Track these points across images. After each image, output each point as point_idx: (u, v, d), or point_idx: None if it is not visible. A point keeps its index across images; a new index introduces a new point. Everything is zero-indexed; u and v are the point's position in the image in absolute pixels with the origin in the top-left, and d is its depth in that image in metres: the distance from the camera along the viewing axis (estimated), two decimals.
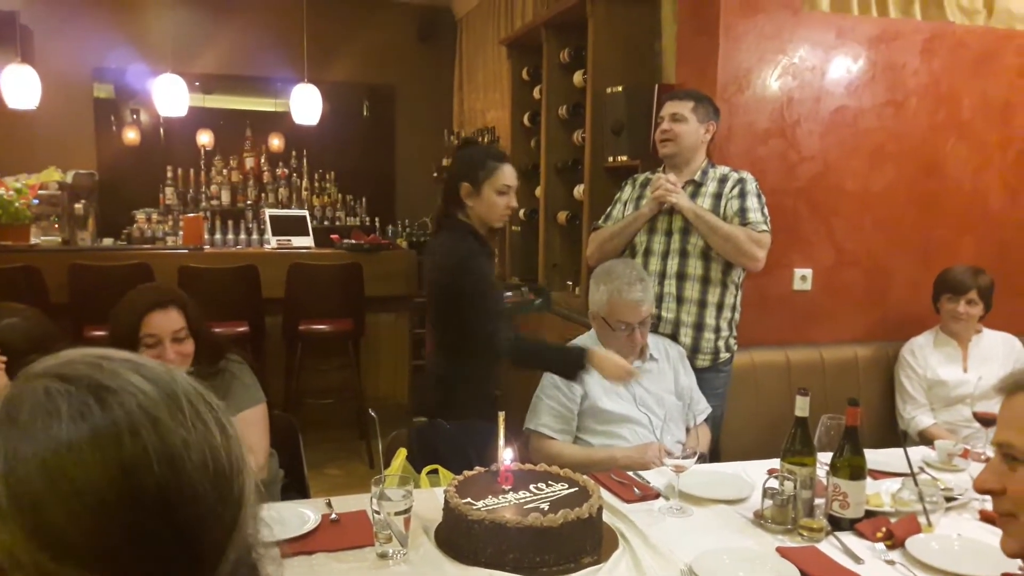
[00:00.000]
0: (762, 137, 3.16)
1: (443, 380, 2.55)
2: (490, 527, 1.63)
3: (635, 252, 2.92)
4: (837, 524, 1.83)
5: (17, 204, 4.37)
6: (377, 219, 7.15)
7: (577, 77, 4.05)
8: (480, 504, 1.72)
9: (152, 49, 6.17)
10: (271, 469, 2.24)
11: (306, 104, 5.17)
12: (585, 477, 1.90)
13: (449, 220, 2.53)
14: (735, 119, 3.10)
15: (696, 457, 1.97)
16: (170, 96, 5.08)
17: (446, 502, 1.75)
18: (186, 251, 4.80)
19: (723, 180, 2.85)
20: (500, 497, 1.77)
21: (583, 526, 1.67)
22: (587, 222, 3.90)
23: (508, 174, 2.51)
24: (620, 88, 3.55)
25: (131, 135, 7.24)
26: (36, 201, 5.03)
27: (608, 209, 3.05)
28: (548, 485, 1.85)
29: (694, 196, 2.83)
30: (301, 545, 1.72)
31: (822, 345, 3.30)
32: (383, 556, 1.67)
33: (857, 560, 1.68)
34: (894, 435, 3.17)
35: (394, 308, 5.23)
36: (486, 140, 5.98)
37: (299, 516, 1.83)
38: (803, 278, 3.32)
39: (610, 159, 3.70)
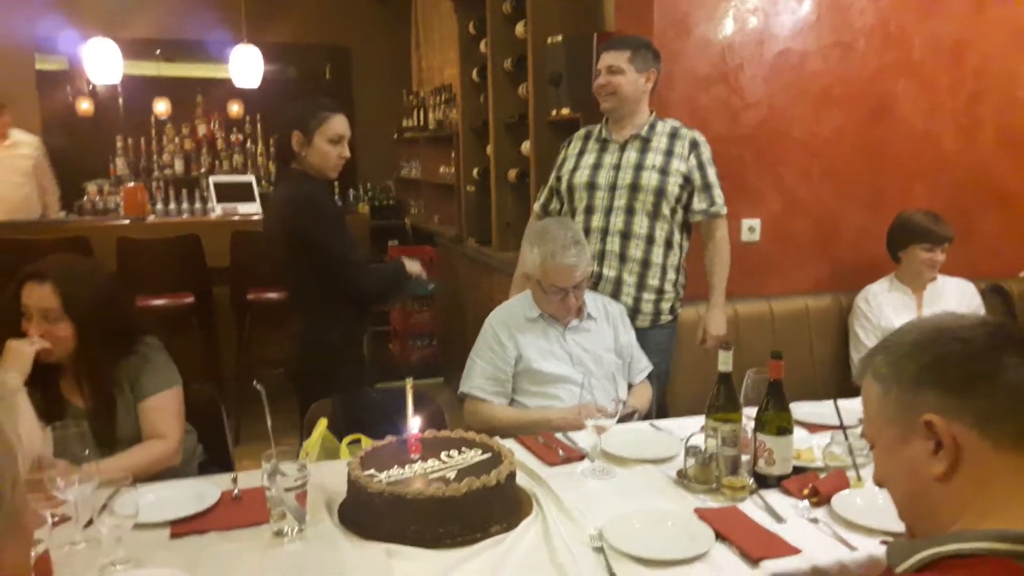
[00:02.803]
0: (704, 84, 3.04)
1: (319, 345, 2.50)
2: (390, 499, 1.54)
3: (575, 210, 2.81)
4: (764, 481, 1.76)
5: None
6: (337, 183, 6.98)
7: (520, 28, 3.90)
8: (383, 476, 1.63)
9: (87, 15, 5.92)
10: (186, 448, 2.14)
11: (246, 66, 4.97)
12: (500, 442, 1.81)
13: (285, 170, 2.58)
14: (675, 65, 2.97)
15: (617, 417, 1.88)
16: (102, 62, 4.85)
17: (348, 475, 1.65)
18: (128, 222, 4.64)
19: (673, 136, 2.74)
20: (407, 467, 1.68)
21: (490, 494, 1.58)
22: (534, 179, 3.78)
23: (339, 123, 2.56)
24: (560, 38, 3.40)
25: (84, 106, 7.04)
26: None
27: (552, 173, 2.93)
28: (460, 452, 1.76)
29: (642, 151, 2.72)
30: (194, 524, 1.62)
31: (772, 297, 3.22)
32: (278, 534, 1.58)
33: (779, 519, 1.61)
34: (849, 387, 3.12)
35: None
36: (442, 100, 5.83)
37: (198, 494, 1.74)
38: (751, 229, 3.22)
39: (553, 112, 3.57)
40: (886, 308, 3.05)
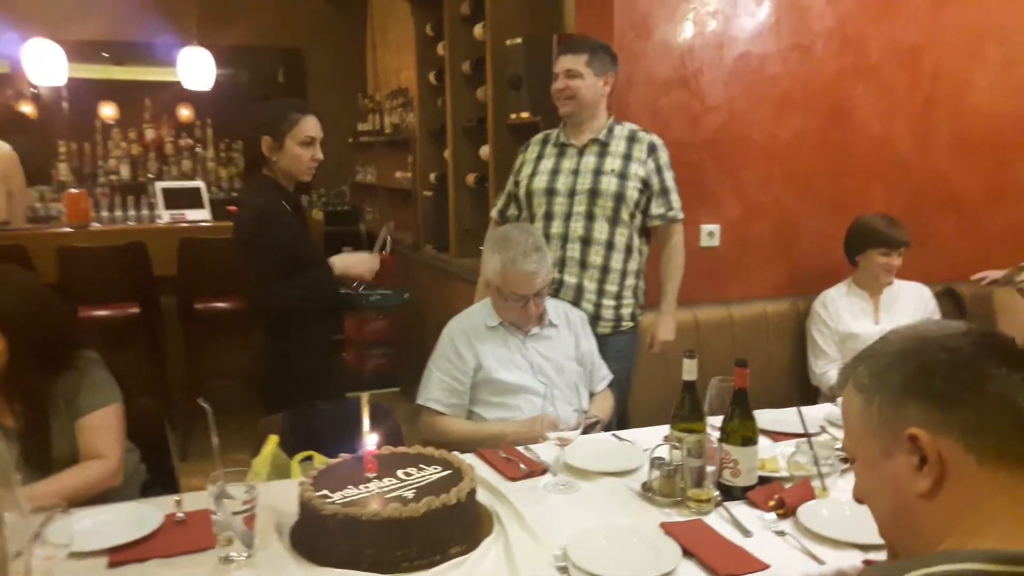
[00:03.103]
0: (663, 87, 3.01)
1: (282, 355, 2.45)
2: (344, 522, 1.46)
3: (533, 216, 2.76)
4: (729, 493, 1.71)
5: None
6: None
7: (478, 30, 3.84)
8: (337, 496, 1.55)
9: (28, 16, 5.71)
10: (128, 468, 2.03)
11: (197, 69, 4.83)
12: (461, 458, 1.74)
13: (252, 177, 2.46)
14: (634, 68, 2.94)
15: (580, 429, 1.83)
16: (44, 64, 4.67)
17: (300, 496, 1.57)
18: (70, 230, 4.46)
19: (632, 140, 2.70)
20: (362, 487, 1.60)
21: (450, 513, 1.51)
22: (493, 185, 3.72)
23: (311, 125, 2.50)
24: (520, 40, 3.35)
25: (27, 109, 6.80)
26: None
27: (510, 178, 2.87)
28: (419, 469, 1.68)
29: (601, 156, 2.68)
30: (134, 551, 1.52)
31: (731, 303, 3.20)
32: (225, 560, 1.49)
33: (745, 533, 1.57)
34: (809, 393, 3.12)
35: None
36: (398, 103, 5.73)
37: (139, 518, 1.63)
38: (711, 234, 3.20)
39: (512, 116, 3.51)
40: (843, 313, 3.05)
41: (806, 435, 1.83)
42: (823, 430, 2.06)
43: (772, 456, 1.87)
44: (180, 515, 1.67)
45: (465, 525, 1.55)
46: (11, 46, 5.67)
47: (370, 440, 1.67)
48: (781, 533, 1.56)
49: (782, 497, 1.64)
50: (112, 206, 5.42)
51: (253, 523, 1.51)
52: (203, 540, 1.53)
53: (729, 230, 3.21)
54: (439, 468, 1.69)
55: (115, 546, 1.53)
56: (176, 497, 1.73)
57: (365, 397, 1.70)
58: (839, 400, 2.16)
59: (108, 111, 6.97)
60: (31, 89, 6.71)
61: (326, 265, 2.58)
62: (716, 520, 1.63)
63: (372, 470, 1.66)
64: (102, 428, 1.90)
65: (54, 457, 1.84)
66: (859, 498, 0.98)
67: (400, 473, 1.66)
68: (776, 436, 2.08)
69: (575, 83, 2.65)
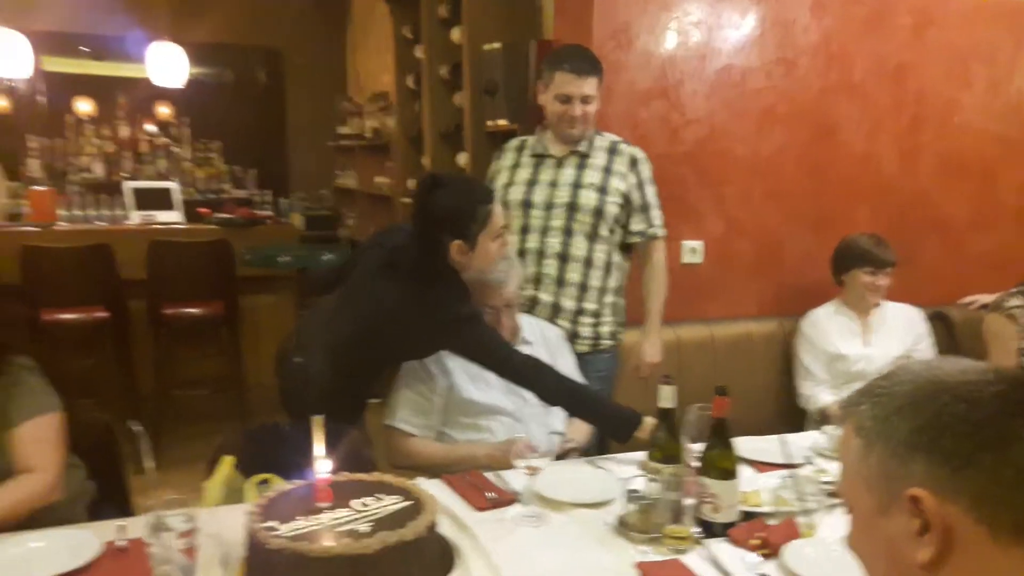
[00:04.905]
0: (643, 98, 2.92)
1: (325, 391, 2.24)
2: (290, 558, 1.35)
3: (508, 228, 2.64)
4: (709, 529, 1.62)
5: None
6: (268, 192, 6.70)
7: (456, 33, 3.75)
8: (285, 528, 1.44)
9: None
10: (72, 485, 1.91)
11: (167, 64, 4.70)
12: (423, 487, 1.64)
13: (440, 270, 2.10)
14: (614, 78, 2.84)
15: (551, 457, 1.73)
16: (9, 55, 4.53)
17: (246, 526, 1.45)
18: (35, 229, 4.31)
19: (612, 152, 2.60)
20: (311, 518, 1.48)
21: (408, 550, 1.39)
22: None
23: (500, 213, 2.14)
24: (498, 45, 3.26)
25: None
26: None
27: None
28: (377, 499, 1.57)
29: (580, 168, 2.58)
30: None
31: (714, 322, 3.12)
32: None
33: None
34: (796, 416, 3.03)
35: (275, 288, 4.84)
36: (378, 107, 5.62)
37: (72, 546, 1.51)
38: (693, 251, 3.12)
39: (489, 123, 3.42)
40: (831, 333, 2.97)
41: (788, 465, 1.74)
42: (808, 461, 1.97)
43: (755, 490, 1.77)
44: (122, 542, 1.55)
45: (424, 563, 1.44)
46: None
47: (323, 466, 1.56)
48: None
49: (765, 536, 1.55)
50: (84, 205, 5.26)
51: (195, 555, 1.40)
52: (144, 573, 1.42)
53: (712, 247, 3.13)
54: (399, 498, 1.57)
55: None
56: (120, 522, 1.62)
57: (318, 420, 1.59)
58: (827, 428, 2.09)
59: (84, 107, 6.83)
60: (6, 82, 6.53)
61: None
62: (695, 560, 1.53)
63: (326, 499, 1.55)
64: (37, 440, 1.78)
65: None
66: (852, 551, 0.88)
67: (356, 503, 1.54)
68: (760, 466, 1.99)
69: (590, 109, 2.51)
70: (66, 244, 4.05)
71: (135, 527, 1.56)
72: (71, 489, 1.92)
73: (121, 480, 2.16)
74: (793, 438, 1.91)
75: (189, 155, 6.83)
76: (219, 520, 1.60)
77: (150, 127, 6.90)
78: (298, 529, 1.44)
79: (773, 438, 1.92)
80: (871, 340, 2.96)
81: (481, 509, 1.75)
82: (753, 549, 1.53)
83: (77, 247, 4.04)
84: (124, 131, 6.76)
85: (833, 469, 1.86)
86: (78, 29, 6.48)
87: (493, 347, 2.10)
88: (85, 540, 1.54)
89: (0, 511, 1.63)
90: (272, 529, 1.42)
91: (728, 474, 1.62)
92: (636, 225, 2.62)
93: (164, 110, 7.03)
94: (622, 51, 2.87)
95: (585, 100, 2.50)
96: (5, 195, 5.16)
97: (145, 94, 6.79)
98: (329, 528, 1.45)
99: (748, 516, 1.66)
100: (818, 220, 3.23)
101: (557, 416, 2.30)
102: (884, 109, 3.28)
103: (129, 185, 4.73)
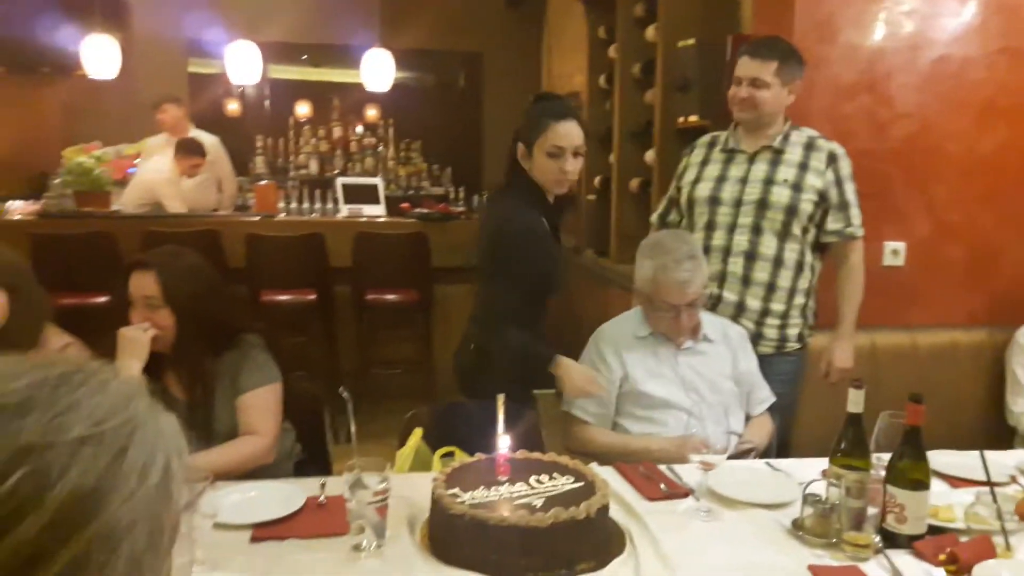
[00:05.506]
0: (848, 92, 2.79)
1: (475, 351, 2.38)
2: (471, 523, 1.45)
3: (694, 225, 2.62)
4: (892, 540, 1.54)
5: (97, 171, 4.46)
6: (463, 189, 7.02)
7: (651, 32, 3.75)
8: (467, 496, 1.54)
9: (235, 19, 6.21)
10: (283, 448, 2.14)
11: (378, 69, 5.05)
12: (597, 471, 1.68)
13: (517, 179, 2.30)
14: (816, 72, 2.73)
15: (727, 454, 1.72)
16: (244, 64, 5.06)
17: (432, 492, 1.57)
18: (258, 219, 4.80)
19: (809, 147, 2.51)
20: (492, 489, 1.58)
21: (578, 528, 1.45)
22: (657, 189, 3.62)
23: (561, 133, 2.22)
24: (692, 41, 3.23)
25: (232, 107, 7.45)
26: (133, 170, 5.18)
27: (673, 183, 2.76)
28: (551, 478, 1.64)
29: (773, 164, 2.51)
30: (275, 529, 1.59)
31: (915, 329, 2.92)
32: (356, 548, 1.52)
33: None
34: (1004, 435, 2.80)
35: (466, 279, 5.07)
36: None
37: (284, 498, 1.70)
38: (895, 252, 2.94)
39: (680, 119, 3.40)
40: None
41: (989, 483, 1.62)
42: (1013, 480, 1.82)
43: (948, 504, 1.67)
44: (322, 498, 1.72)
45: (594, 542, 1.49)
46: (222, 47, 6.23)
47: (502, 443, 1.65)
48: None
49: (955, 552, 1.45)
50: (300, 198, 5.81)
51: (385, 513, 1.53)
52: (340, 525, 1.57)
53: (916, 249, 2.93)
54: (572, 479, 1.64)
55: (259, 522, 1.60)
56: (321, 480, 1.79)
57: (501, 399, 1.68)
58: None
59: (303, 109, 7.49)
60: (237, 88, 7.31)
61: (553, 354, 2.26)
62: (874, 568, 1.47)
63: (504, 473, 1.63)
64: (259, 407, 2.00)
65: (215, 431, 1.96)
66: None
67: (532, 480, 1.62)
68: (955, 482, 1.86)
69: (761, 94, 2.45)
70: (284, 233, 4.47)
71: (334, 486, 1.73)
72: (282, 450, 2.15)
73: (323, 445, 2.38)
74: (996, 455, 1.76)
75: (392, 154, 7.31)
76: (409, 485, 1.74)
77: (359, 128, 7.46)
78: (478, 498, 1.54)
79: (974, 453, 1.79)
80: None
81: (653, 499, 1.76)
82: (939, 564, 1.44)
83: (294, 236, 4.45)
84: (337, 132, 7.35)
85: None
86: (300, 39, 7.09)
87: (503, 281, 2.26)
88: (292, 493, 1.72)
89: (225, 465, 1.84)
90: (455, 496, 1.53)
91: (918, 485, 1.53)
92: (833, 224, 2.51)
93: (372, 112, 7.55)
94: (825, 44, 2.76)
95: (755, 83, 2.45)
96: (235, 188, 5.79)
97: (356, 98, 7.33)
98: (506, 500, 1.54)
99: (937, 531, 1.56)
100: None
101: (735, 416, 2.27)
102: None
103: (340, 181, 5.13)
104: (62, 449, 0.49)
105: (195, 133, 5.29)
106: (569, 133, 2.24)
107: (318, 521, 1.63)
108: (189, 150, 4.97)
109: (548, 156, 2.23)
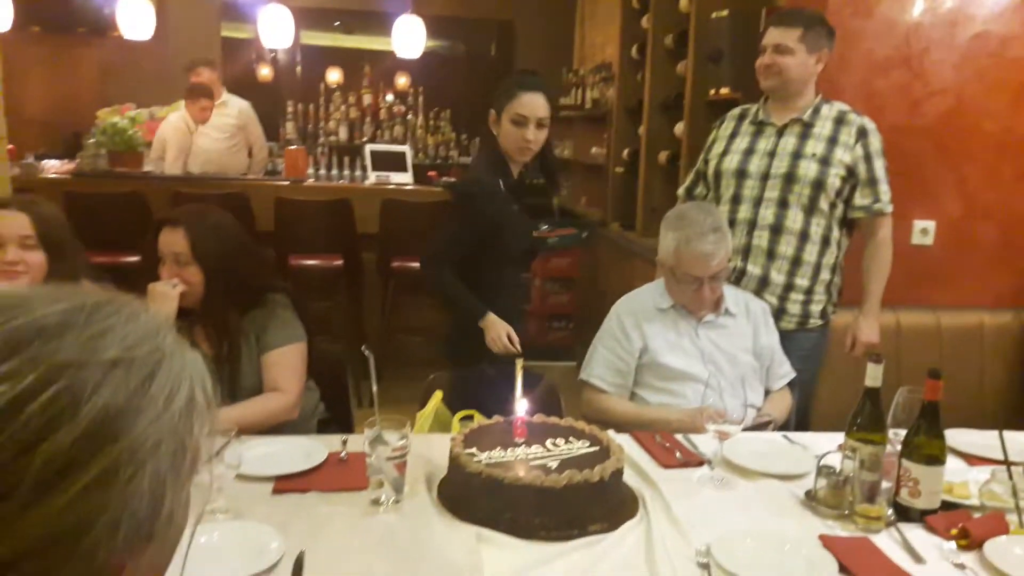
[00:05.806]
0: (882, 67, 2.75)
1: (464, 316, 2.49)
2: (486, 481, 1.48)
3: (720, 198, 2.61)
4: (905, 514, 1.55)
5: (131, 132, 4.53)
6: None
7: (684, 2, 3.70)
8: (483, 456, 1.57)
9: None
10: (307, 405, 2.18)
11: (409, 36, 5.04)
12: (612, 437, 1.71)
13: (485, 142, 2.51)
14: (849, 46, 2.70)
15: (742, 425, 1.73)
16: (276, 28, 5.07)
17: (450, 451, 1.60)
18: (287, 183, 4.84)
19: (839, 122, 2.48)
20: (509, 450, 1.61)
21: (591, 490, 1.48)
22: (685, 162, 3.60)
23: (525, 102, 2.37)
24: (725, 12, 3.19)
25: (264, 72, 7.48)
26: None
27: (701, 155, 2.75)
28: (567, 441, 1.67)
29: (802, 138, 2.49)
30: (296, 482, 1.63)
31: (941, 309, 2.89)
32: (375, 502, 1.56)
33: (918, 559, 1.41)
34: (1022, 417, 2.77)
35: None
36: (600, 78, 5.68)
37: (306, 452, 1.75)
38: (924, 231, 2.91)
39: (711, 91, 3.37)
40: None
41: (1006, 462, 1.62)
42: None
43: (963, 481, 1.67)
44: (343, 455, 1.76)
45: (607, 504, 1.52)
46: (255, 12, 6.25)
47: (520, 406, 1.68)
48: (961, 566, 1.39)
49: (967, 527, 1.46)
50: (329, 165, 5.86)
51: (404, 470, 1.57)
52: (359, 480, 1.62)
53: (946, 228, 2.90)
54: (587, 443, 1.66)
55: (281, 475, 1.65)
56: (343, 437, 1.83)
57: (520, 364, 1.71)
58: None
59: (334, 76, 7.50)
60: (270, 52, 7.33)
61: (484, 310, 2.42)
62: (885, 540, 1.48)
63: (521, 435, 1.66)
64: (284, 365, 2.04)
65: (241, 386, 2.00)
66: None
67: (548, 443, 1.65)
68: (971, 460, 1.87)
69: (784, 60, 2.45)
70: (313, 198, 4.51)
71: (355, 443, 1.77)
72: (306, 408, 2.19)
73: (347, 408, 2.43)
74: (1016, 435, 1.75)
75: (421, 123, 7.32)
76: (428, 445, 1.78)
77: (389, 96, 7.47)
78: (495, 458, 1.57)
79: (992, 432, 1.78)
80: None
81: (668, 467, 1.78)
82: (951, 539, 1.45)
83: (322, 201, 4.48)
84: (367, 99, 7.37)
85: None
86: (333, 4, 7.08)
87: (448, 229, 2.44)
88: (315, 448, 1.77)
89: (249, 419, 1.89)
90: (472, 455, 1.56)
91: (933, 460, 1.54)
92: (861, 200, 2.49)
93: (402, 80, 7.55)
94: (860, 18, 2.72)
95: (778, 49, 2.46)
96: (265, 152, 5.84)
97: (387, 65, 7.34)
98: (522, 461, 1.57)
99: (950, 507, 1.57)
100: None
101: (754, 389, 2.27)
102: None
103: (368, 147, 5.15)
104: (96, 369, 0.52)
105: (227, 97, 5.33)
106: (533, 103, 2.37)
107: (339, 475, 1.67)
108: (197, 93, 5.01)
109: (512, 123, 2.38)
